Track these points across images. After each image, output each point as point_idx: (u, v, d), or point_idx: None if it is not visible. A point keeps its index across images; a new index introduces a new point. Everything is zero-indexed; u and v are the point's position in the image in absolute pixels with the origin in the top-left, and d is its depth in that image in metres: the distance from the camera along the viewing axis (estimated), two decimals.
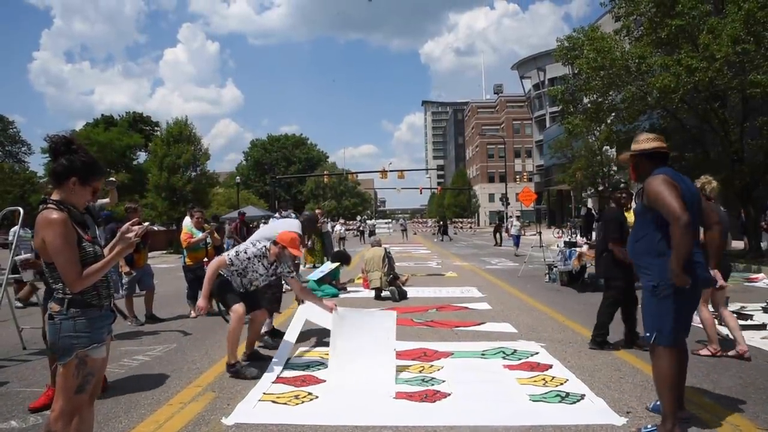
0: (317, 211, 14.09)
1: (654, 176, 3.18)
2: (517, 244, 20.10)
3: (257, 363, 4.79)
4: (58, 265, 2.41)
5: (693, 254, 3.07)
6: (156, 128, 51.69)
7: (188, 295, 7.98)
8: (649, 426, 3.20)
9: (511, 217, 42.64)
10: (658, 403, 3.42)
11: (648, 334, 3.16)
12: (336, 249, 15.29)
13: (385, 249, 9.80)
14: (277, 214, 10.91)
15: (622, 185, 22.91)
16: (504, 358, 5.04)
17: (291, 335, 5.05)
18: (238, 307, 4.66)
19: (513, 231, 20.61)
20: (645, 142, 3.37)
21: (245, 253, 4.81)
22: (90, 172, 2.57)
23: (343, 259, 10.55)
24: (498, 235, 26.27)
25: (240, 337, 4.74)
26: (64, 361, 2.44)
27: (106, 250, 2.63)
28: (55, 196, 2.50)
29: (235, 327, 4.61)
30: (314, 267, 12.38)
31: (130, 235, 2.60)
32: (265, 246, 4.85)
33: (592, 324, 5.37)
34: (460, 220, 54.89)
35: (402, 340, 5.78)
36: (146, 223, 2.81)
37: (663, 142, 3.39)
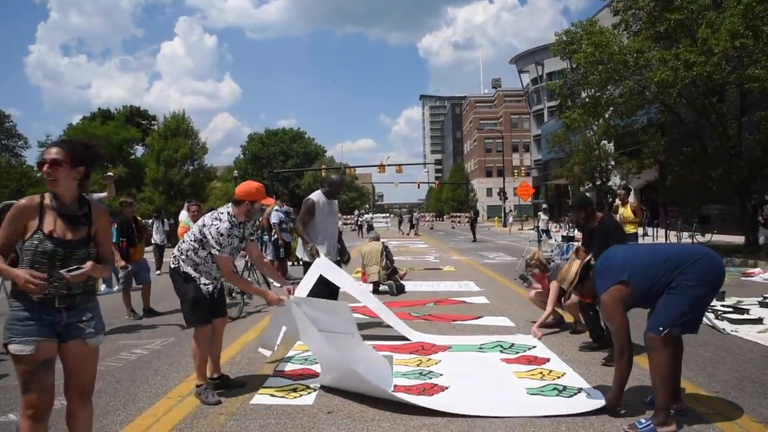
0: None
1: (601, 299, 3.38)
2: (549, 237, 19.28)
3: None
4: None
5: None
6: (153, 122, 51.51)
7: None
8: (643, 420, 3.22)
9: (508, 211, 42.63)
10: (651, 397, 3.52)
11: (660, 328, 3.14)
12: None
13: (383, 243, 9.80)
14: (276, 207, 10.89)
15: (621, 182, 22.95)
16: (502, 351, 5.05)
17: (302, 291, 4.69)
18: (207, 330, 3.96)
19: (541, 225, 20.39)
20: (567, 274, 3.66)
21: (220, 235, 3.85)
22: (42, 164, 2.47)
23: (342, 256, 10.41)
24: (473, 231, 25.44)
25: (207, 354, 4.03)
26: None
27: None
28: None
29: (203, 346, 3.93)
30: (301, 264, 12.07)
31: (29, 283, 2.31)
32: (227, 212, 3.96)
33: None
34: (458, 214, 54.98)
35: (400, 335, 5.81)
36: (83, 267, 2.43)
37: (575, 265, 3.67)
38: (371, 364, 4.25)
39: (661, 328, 3.14)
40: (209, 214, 4.07)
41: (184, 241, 4.05)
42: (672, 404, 3.29)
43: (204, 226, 3.94)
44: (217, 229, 3.86)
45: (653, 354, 3.19)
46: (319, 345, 4.10)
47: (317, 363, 4.68)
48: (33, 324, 2.39)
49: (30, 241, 2.39)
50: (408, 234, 33.44)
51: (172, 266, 4.06)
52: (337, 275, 5.28)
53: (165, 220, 15.07)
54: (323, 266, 5.15)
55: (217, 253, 3.86)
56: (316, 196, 5.89)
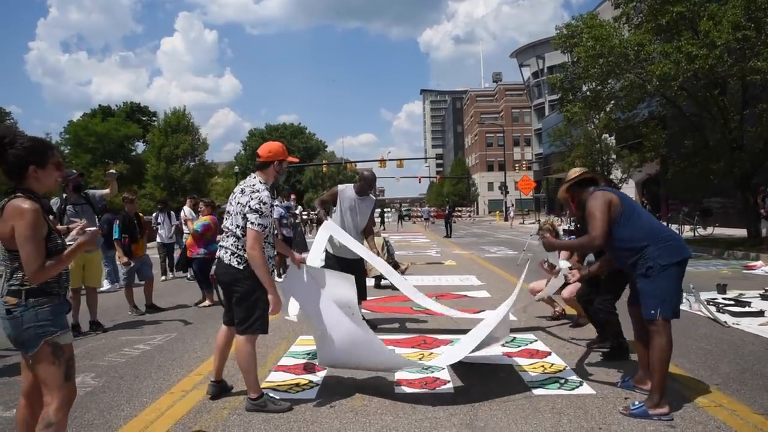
0: (292, 196, 12.74)
1: (592, 194, 3.56)
2: None
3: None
4: (23, 256, 2.33)
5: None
6: (154, 118, 51.59)
7: (199, 284, 7.97)
8: (636, 402, 3.35)
9: None
10: (627, 379, 3.78)
11: (653, 312, 3.34)
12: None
13: (384, 238, 9.81)
14: (277, 201, 10.90)
15: (623, 176, 22.90)
16: (504, 345, 5.06)
17: (314, 257, 4.79)
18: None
19: None
20: (573, 174, 3.82)
21: (263, 203, 3.49)
22: (41, 153, 2.46)
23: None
24: (449, 225, 25.06)
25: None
26: (32, 352, 2.41)
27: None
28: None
29: (253, 350, 3.58)
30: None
31: (92, 230, 2.59)
32: (258, 181, 3.65)
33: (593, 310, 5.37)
34: (460, 208, 54.99)
35: (402, 329, 5.82)
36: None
37: (586, 170, 3.88)
38: (374, 341, 4.17)
39: (653, 312, 3.34)
40: (238, 195, 3.61)
41: (238, 238, 3.53)
42: (644, 385, 3.56)
43: (244, 206, 3.50)
44: (260, 198, 3.49)
45: (656, 337, 3.36)
46: (323, 318, 3.92)
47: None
48: (61, 314, 2.51)
49: (53, 242, 2.43)
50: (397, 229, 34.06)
51: (241, 266, 3.50)
52: (344, 237, 5.27)
53: (172, 213, 12.06)
54: (331, 228, 5.18)
55: (251, 226, 3.42)
56: (345, 186, 5.85)
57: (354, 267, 5.44)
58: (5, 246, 2.41)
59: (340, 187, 5.88)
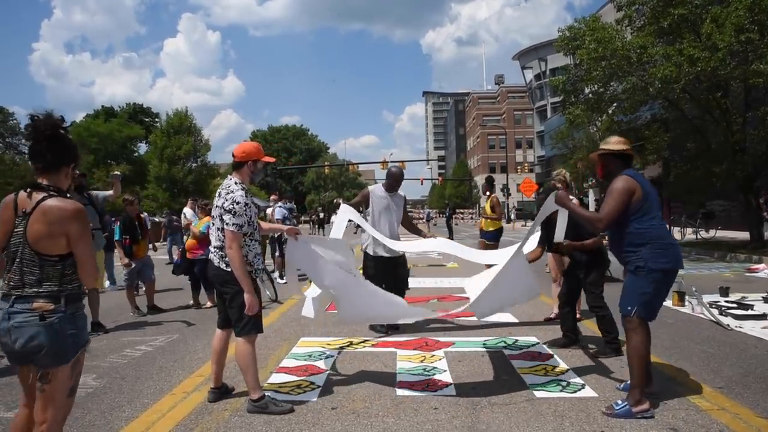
0: (272, 197, 11.54)
1: (620, 177, 3.51)
2: None
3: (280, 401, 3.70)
4: (83, 257, 2.19)
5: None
6: (156, 119, 51.70)
7: (192, 287, 7.94)
8: (620, 402, 3.38)
9: None
10: (629, 382, 3.68)
11: (629, 308, 3.41)
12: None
13: None
14: (280, 203, 10.91)
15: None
16: (505, 347, 5.06)
17: (337, 233, 4.95)
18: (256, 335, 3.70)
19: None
20: (615, 144, 3.71)
21: (236, 203, 3.50)
22: (77, 154, 2.34)
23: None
24: (448, 228, 25.60)
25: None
26: (66, 364, 2.20)
27: None
28: (44, 182, 2.26)
29: (255, 355, 3.63)
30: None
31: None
32: (234, 182, 3.64)
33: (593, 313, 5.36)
34: (462, 210, 55.00)
35: (403, 330, 5.81)
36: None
37: (629, 145, 3.73)
38: (384, 294, 4.50)
39: (629, 308, 3.42)
40: (217, 198, 3.63)
41: (223, 240, 3.56)
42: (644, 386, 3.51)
43: (221, 208, 3.53)
44: (233, 198, 3.49)
45: (630, 334, 3.46)
46: (326, 281, 4.20)
47: (321, 359, 4.71)
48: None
49: None
50: None
51: (230, 269, 3.52)
52: (360, 220, 5.49)
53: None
54: (347, 212, 5.32)
55: (227, 227, 3.46)
56: (374, 187, 5.98)
57: (397, 263, 5.81)
58: (36, 249, 2.16)
59: (370, 188, 6.00)
